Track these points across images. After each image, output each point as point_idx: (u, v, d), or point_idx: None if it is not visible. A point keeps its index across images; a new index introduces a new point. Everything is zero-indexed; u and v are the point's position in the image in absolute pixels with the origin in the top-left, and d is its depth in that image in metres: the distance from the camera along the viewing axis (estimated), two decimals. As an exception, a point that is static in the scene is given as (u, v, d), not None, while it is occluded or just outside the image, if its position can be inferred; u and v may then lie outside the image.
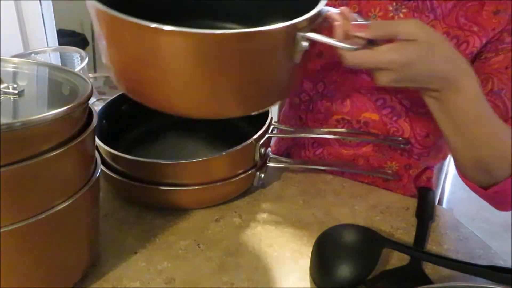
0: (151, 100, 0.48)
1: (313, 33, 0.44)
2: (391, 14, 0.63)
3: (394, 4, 0.63)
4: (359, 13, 0.64)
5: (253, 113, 0.51)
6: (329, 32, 0.47)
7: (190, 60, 0.42)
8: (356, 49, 0.45)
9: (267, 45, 0.43)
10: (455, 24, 0.60)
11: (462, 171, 0.58)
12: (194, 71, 0.43)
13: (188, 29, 0.39)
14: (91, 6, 0.43)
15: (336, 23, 0.46)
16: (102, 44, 0.46)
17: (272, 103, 0.52)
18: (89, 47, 2.96)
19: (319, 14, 0.46)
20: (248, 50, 0.43)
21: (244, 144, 0.58)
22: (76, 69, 0.66)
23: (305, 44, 0.44)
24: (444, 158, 0.79)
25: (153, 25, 0.39)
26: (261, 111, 0.52)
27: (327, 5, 0.48)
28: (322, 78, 0.70)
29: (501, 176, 0.53)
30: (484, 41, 0.59)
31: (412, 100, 0.66)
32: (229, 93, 0.46)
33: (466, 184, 0.58)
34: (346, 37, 0.46)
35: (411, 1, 0.61)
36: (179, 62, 0.43)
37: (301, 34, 0.44)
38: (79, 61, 1.04)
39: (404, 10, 0.62)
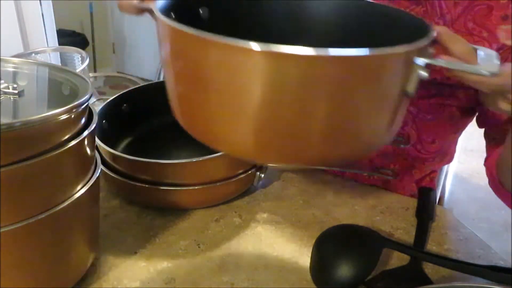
0: (223, 142, 0.40)
1: (436, 58, 0.36)
2: None
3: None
4: None
5: (340, 165, 0.42)
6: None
7: (269, 86, 0.33)
8: (499, 72, 0.36)
9: (378, 72, 0.34)
10: (463, 29, 0.59)
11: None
12: (275, 102, 0.34)
13: (280, 48, 0.31)
14: (163, 25, 0.36)
15: (455, 44, 0.38)
16: (169, 70, 0.39)
17: (369, 150, 0.41)
18: (89, 47, 2.96)
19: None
20: (351, 78, 0.33)
21: (244, 144, 0.58)
22: (77, 70, 0.66)
23: (424, 73, 0.36)
24: (449, 161, 0.79)
25: (242, 43, 0.31)
26: (351, 160, 0.42)
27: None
28: None
29: None
30: (494, 48, 0.58)
31: (418, 106, 0.66)
32: (318, 133, 0.36)
33: (503, 195, 0.58)
34: (465, 57, 0.38)
35: (419, 5, 0.61)
36: (257, 85, 0.33)
37: (422, 60, 0.35)
38: (79, 61, 1.05)
39: None
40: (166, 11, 0.40)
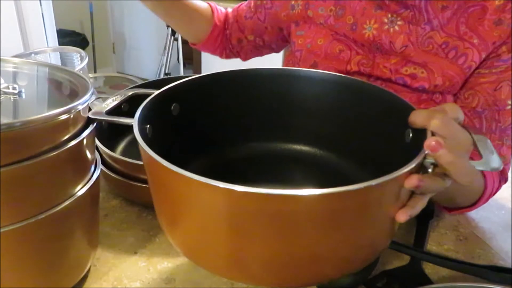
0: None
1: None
2: (386, 27, 0.62)
3: (389, 15, 0.62)
4: (355, 24, 0.64)
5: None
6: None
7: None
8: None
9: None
10: (455, 33, 0.59)
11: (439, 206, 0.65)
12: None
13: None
14: (140, 149, 0.36)
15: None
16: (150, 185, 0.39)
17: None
18: (89, 47, 2.96)
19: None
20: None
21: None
22: (76, 69, 0.66)
23: (430, 171, 0.35)
24: None
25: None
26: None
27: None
28: None
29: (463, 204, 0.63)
30: (483, 56, 0.58)
31: None
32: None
33: (440, 208, 0.65)
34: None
35: (407, 10, 0.60)
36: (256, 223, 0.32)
37: (429, 160, 0.35)
38: (79, 61, 1.05)
39: (399, 22, 0.61)
40: (143, 125, 0.40)
